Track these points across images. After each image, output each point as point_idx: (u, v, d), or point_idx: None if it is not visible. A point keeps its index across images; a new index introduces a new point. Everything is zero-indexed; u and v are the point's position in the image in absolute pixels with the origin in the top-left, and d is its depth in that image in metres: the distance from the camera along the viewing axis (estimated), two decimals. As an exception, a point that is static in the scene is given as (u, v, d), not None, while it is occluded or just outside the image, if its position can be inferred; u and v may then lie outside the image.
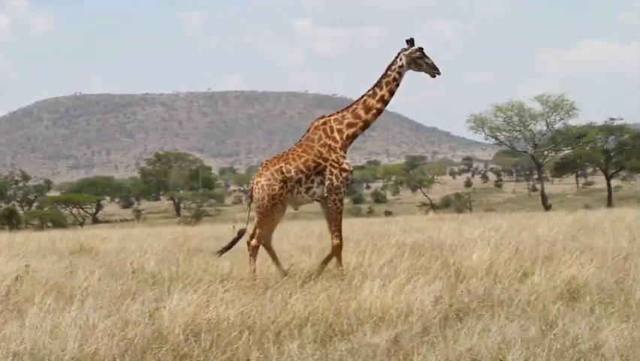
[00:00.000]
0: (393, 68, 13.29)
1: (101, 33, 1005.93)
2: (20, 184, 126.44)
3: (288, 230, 25.13)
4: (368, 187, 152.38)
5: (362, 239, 18.29)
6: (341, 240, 13.10)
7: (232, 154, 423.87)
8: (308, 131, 13.39)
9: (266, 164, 13.16)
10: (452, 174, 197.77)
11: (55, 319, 9.51)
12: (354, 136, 13.41)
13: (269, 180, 12.89)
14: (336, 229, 13.10)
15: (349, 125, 13.30)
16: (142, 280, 12.93)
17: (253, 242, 13.04)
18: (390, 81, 13.28)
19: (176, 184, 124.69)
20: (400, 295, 10.26)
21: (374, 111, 13.35)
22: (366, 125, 13.44)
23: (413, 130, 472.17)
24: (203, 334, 8.88)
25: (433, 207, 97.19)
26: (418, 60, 13.23)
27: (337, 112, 13.54)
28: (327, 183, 13.04)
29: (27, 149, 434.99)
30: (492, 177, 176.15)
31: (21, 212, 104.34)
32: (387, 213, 74.89)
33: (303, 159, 13.04)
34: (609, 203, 75.29)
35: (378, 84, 13.32)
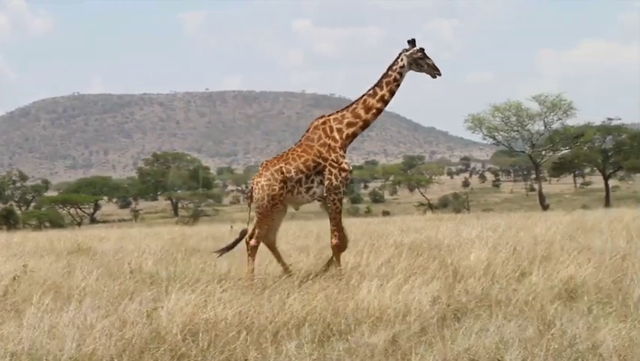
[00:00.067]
0: (394, 68, 13.29)
1: (99, 33, 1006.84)
2: (18, 184, 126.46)
3: (286, 230, 25.08)
4: (366, 187, 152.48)
5: (360, 239, 18.26)
6: (340, 239, 13.10)
7: (230, 154, 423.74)
8: (308, 131, 13.39)
9: (266, 164, 13.17)
10: (450, 174, 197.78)
11: (53, 319, 9.50)
12: (353, 135, 13.41)
13: (269, 180, 12.89)
14: (335, 228, 13.11)
15: (349, 125, 13.29)
16: (140, 280, 12.92)
17: (252, 242, 13.04)
18: (390, 81, 13.28)
19: (173, 184, 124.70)
20: (397, 295, 10.26)
21: (374, 111, 13.35)
22: (366, 124, 13.44)
23: (411, 130, 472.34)
24: (200, 334, 8.87)
25: (430, 207, 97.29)
26: (419, 61, 13.23)
27: (337, 111, 13.53)
28: (326, 182, 13.03)
29: (25, 149, 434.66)
30: (490, 177, 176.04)
31: (19, 212, 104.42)
32: (385, 213, 74.91)
33: (302, 159, 13.04)
34: (607, 203, 75.34)
35: (378, 84, 13.32)
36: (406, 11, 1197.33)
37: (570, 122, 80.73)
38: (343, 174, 13.11)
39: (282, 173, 12.90)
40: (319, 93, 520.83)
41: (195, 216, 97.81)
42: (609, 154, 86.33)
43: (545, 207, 70.05)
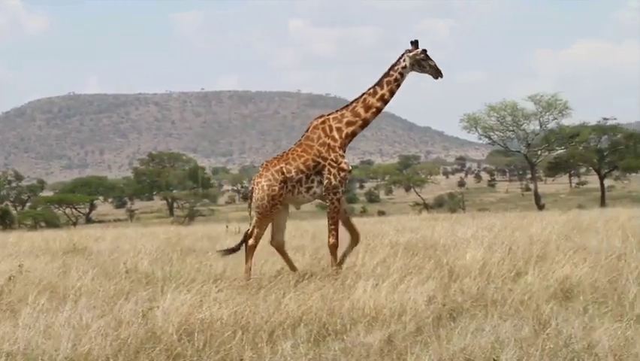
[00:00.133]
0: (396, 68, 13.31)
1: (95, 33, 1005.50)
2: (13, 184, 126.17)
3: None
4: (362, 187, 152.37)
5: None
6: (337, 239, 13.11)
7: (225, 154, 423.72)
8: (307, 130, 13.39)
9: (266, 164, 13.17)
10: (445, 173, 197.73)
11: (49, 319, 9.49)
12: (353, 135, 13.41)
13: (269, 180, 12.90)
14: (333, 228, 13.12)
15: (348, 124, 13.30)
16: (135, 280, 12.92)
17: (250, 242, 13.04)
18: (391, 81, 13.29)
19: (169, 184, 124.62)
20: (393, 294, 10.26)
21: (373, 110, 13.35)
22: (366, 123, 13.44)
23: (406, 130, 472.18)
24: (196, 334, 8.87)
25: (426, 206, 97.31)
26: (422, 62, 13.26)
27: (336, 110, 13.55)
28: (325, 182, 13.04)
29: (20, 149, 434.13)
30: (485, 176, 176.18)
31: (14, 212, 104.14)
32: (381, 213, 74.83)
33: (302, 159, 13.05)
34: (602, 203, 75.32)
35: (379, 83, 13.34)
36: (401, 11, 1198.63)
37: (565, 121, 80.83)
38: (342, 174, 13.11)
39: (283, 173, 12.91)
40: (314, 93, 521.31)
41: (191, 216, 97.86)
42: (605, 154, 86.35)
43: (541, 207, 70.12)
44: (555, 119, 79.07)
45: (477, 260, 12.99)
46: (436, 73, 13.34)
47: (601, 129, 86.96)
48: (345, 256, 13.40)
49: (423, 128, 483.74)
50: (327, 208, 13.19)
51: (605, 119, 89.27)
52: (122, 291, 11.71)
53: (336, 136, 13.20)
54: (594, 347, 8.06)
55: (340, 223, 13.41)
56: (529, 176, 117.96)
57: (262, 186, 12.91)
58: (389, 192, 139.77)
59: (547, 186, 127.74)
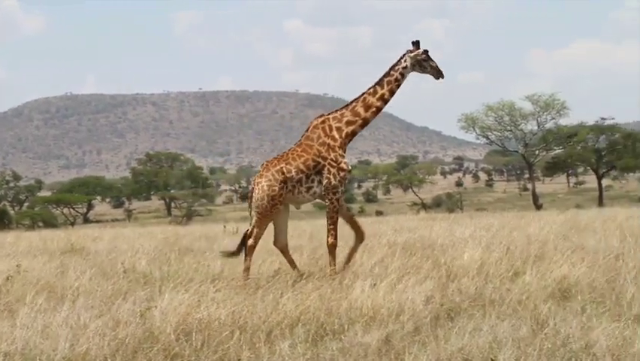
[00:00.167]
0: (396, 68, 13.30)
1: (92, 33, 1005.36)
2: (11, 184, 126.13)
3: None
4: (359, 187, 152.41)
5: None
6: (336, 239, 13.11)
7: (223, 154, 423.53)
8: (307, 130, 13.39)
9: (266, 165, 13.16)
10: (443, 173, 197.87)
11: (47, 319, 9.48)
12: (353, 134, 13.41)
13: (269, 180, 12.88)
14: (332, 228, 13.11)
15: (348, 123, 13.29)
16: (133, 280, 12.91)
17: (250, 241, 13.02)
18: (391, 80, 13.28)
19: (167, 184, 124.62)
20: (391, 294, 10.25)
21: (373, 109, 13.34)
22: (366, 123, 13.43)
23: (404, 130, 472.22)
24: (194, 334, 8.86)
25: (424, 206, 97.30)
26: (423, 63, 13.25)
27: (336, 110, 13.54)
28: (324, 182, 13.03)
29: (18, 149, 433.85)
30: (483, 176, 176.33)
31: (12, 212, 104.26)
32: (379, 213, 74.80)
33: (302, 159, 13.04)
34: (600, 202, 75.43)
35: (379, 82, 13.33)
36: (398, 11, 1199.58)
37: (563, 121, 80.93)
38: (342, 174, 13.11)
39: (283, 173, 12.90)
40: (312, 93, 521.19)
41: (189, 216, 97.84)
42: (602, 154, 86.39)
43: (539, 207, 70.13)
44: (553, 119, 79.22)
45: (475, 260, 12.99)
46: (437, 74, 13.34)
47: (599, 129, 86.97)
48: (351, 255, 13.40)
49: (420, 128, 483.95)
50: (327, 208, 13.18)
51: (602, 118, 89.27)
52: (119, 291, 11.70)
53: (336, 136, 13.20)
54: (592, 346, 8.06)
55: (344, 222, 13.42)
56: (526, 176, 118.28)
57: (262, 186, 12.89)
58: (387, 192, 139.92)
59: (545, 186, 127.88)
